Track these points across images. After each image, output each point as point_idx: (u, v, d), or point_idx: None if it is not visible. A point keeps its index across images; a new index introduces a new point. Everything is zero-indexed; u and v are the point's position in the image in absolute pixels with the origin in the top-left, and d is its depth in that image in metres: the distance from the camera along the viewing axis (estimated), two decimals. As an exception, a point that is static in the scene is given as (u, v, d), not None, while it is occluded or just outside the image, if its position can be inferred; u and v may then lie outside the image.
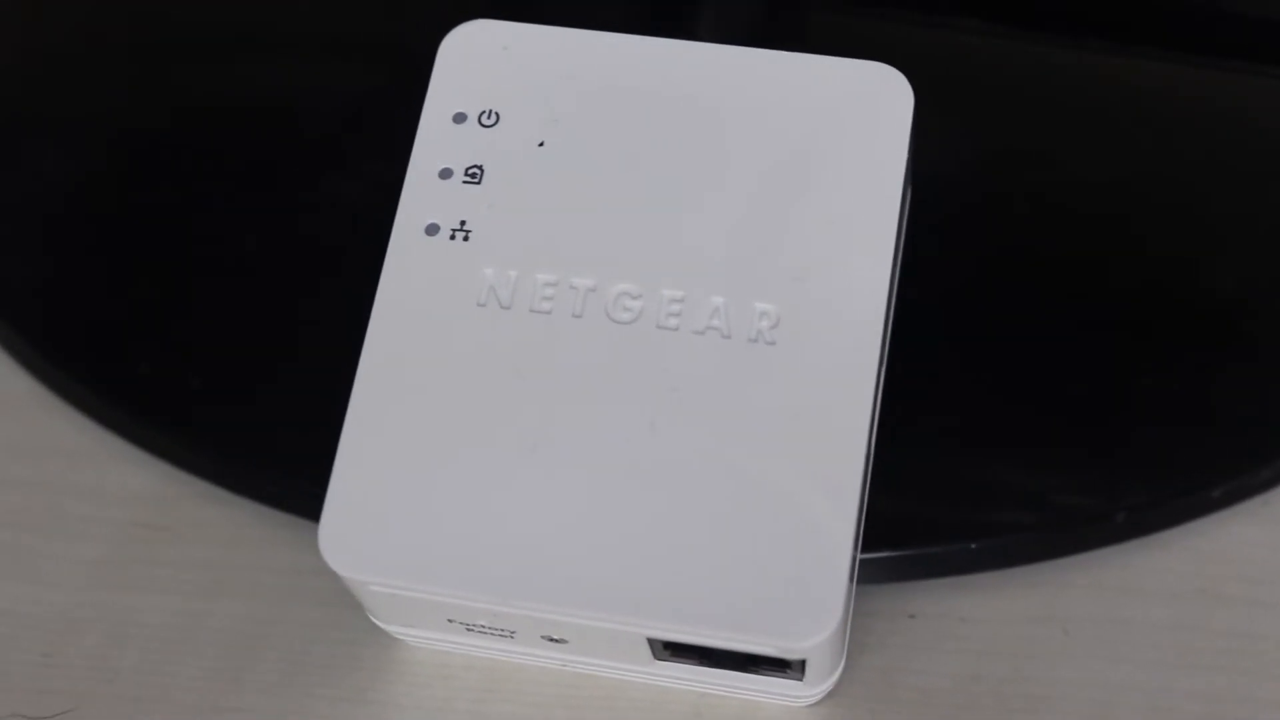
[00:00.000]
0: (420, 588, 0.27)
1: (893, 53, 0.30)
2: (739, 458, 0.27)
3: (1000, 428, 0.32)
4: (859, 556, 0.27)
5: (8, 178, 0.37)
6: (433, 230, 0.29)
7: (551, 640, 0.28)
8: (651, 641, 0.27)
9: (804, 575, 0.26)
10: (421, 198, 0.29)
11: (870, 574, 0.30)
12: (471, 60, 0.30)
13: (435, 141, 0.29)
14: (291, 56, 0.38)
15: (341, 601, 0.31)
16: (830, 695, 0.29)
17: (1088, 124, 0.35)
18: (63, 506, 0.33)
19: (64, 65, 0.39)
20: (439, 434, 0.27)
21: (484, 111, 0.29)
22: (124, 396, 0.34)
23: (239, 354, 0.34)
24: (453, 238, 0.29)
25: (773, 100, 0.29)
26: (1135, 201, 0.34)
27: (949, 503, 0.31)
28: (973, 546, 0.31)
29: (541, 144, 0.29)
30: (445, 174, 0.29)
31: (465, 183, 0.29)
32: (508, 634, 0.28)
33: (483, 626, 0.28)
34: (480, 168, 0.29)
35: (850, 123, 0.29)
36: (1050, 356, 0.32)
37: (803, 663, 0.27)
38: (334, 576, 0.30)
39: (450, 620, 0.28)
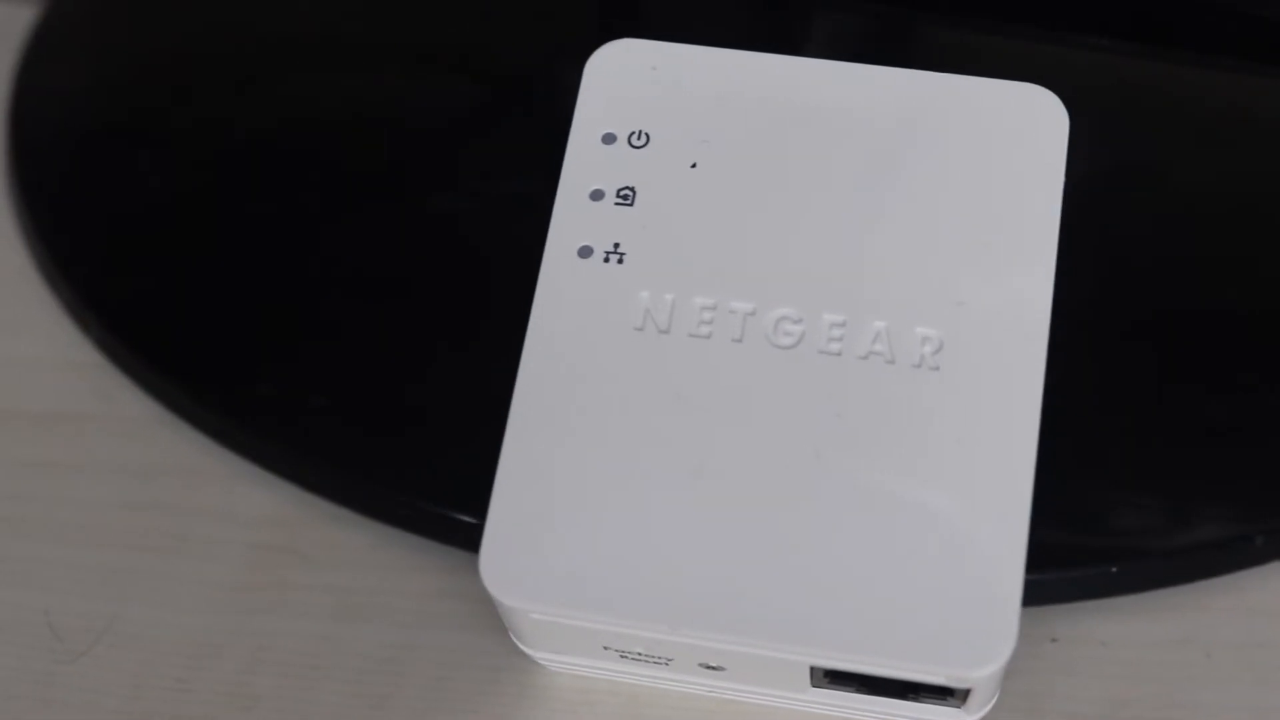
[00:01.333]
0: (585, 616, 0.27)
1: (1028, 71, 0.29)
2: (906, 484, 0.27)
3: (1139, 450, 0.32)
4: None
5: (127, 194, 0.37)
6: (586, 252, 0.28)
7: (708, 668, 0.28)
8: (813, 669, 0.27)
9: (975, 603, 0.26)
10: (573, 219, 0.29)
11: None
12: (619, 80, 0.29)
13: (585, 162, 0.29)
14: (419, 68, 0.38)
15: (480, 626, 0.31)
16: (983, 721, 0.29)
17: (1230, 141, 0.35)
18: (189, 528, 0.33)
19: (191, 76, 0.38)
20: (599, 459, 0.27)
21: (634, 132, 0.29)
22: (247, 417, 0.33)
23: (363, 373, 0.33)
24: (606, 260, 0.28)
25: (928, 122, 0.29)
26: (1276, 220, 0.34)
27: (1089, 526, 0.31)
28: (1113, 570, 0.31)
29: (694, 165, 0.29)
30: (596, 195, 0.29)
31: (617, 204, 0.29)
32: (663, 661, 0.28)
33: (638, 654, 0.28)
34: (632, 189, 0.29)
35: (1007, 145, 0.28)
36: (1190, 379, 0.32)
37: (967, 690, 0.27)
38: (471, 600, 0.30)
39: (606, 647, 0.28)
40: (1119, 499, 0.31)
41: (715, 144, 0.29)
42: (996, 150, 0.28)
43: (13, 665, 0.30)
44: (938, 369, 0.27)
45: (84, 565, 0.32)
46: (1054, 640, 0.31)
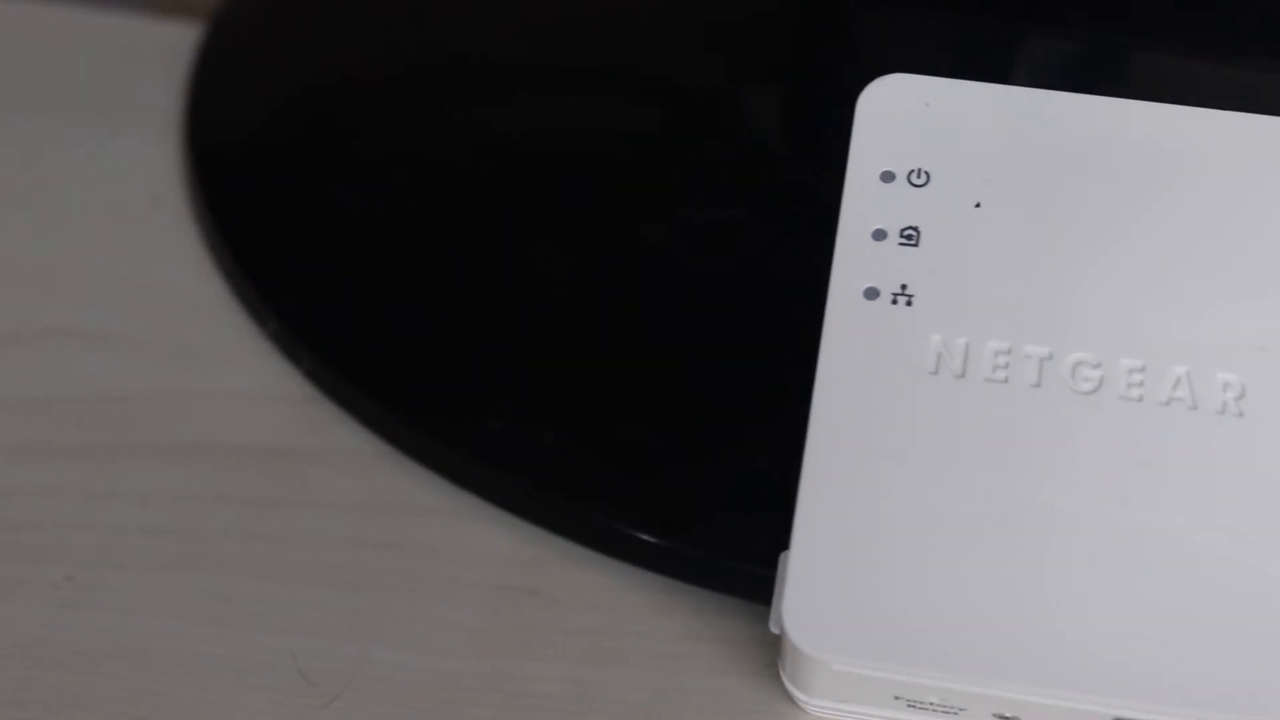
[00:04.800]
0: (892, 667, 0.26)
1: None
2: (1214, 533, 0.26)
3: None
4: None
5: (327, 221, 0.36)
6: (872, 294, 0.28)
7: (1000, 718, 0.27)
8: (1114, 720, 0.27)
9: (1289, 655, 0.25)
10: (857, 260, 0.28)
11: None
12: (893, 117, 0.29)
13: (865, 201, 0.28)
14: (616, 91, 0.37)
15: (735, 670, 0.30)
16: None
17: None
18: (426, 568, 0.32)
19: (380, 97, 0.38)
20: (900, 507, 0.27)
21: (913, 170, 0.29)
22: (478, 453, 0.33)
23: (597, 408, 0.33)
24: (894, 302, 0.28)
25: (1222, 161, 0.28)
26: None
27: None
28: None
29: (978, 205, 0.28)
30: (879, 235, 0.28)
31: (901, 245, 0.28)
32: (953, 711, 0.27)
33: (930, 704, 0.27)
34: (916, 229, 0.28)
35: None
36: None
37: (1273, 743, 0.26)
38: (723, 644, 0.30)
39: (897, 697, 0.27)
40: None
41: (998, 183, 0.28)
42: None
43: (269, 711, 0.30)
44: (1241, 415, 0.27)
45: (324, 606, 0.31)
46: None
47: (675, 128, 0.37)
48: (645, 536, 0.31)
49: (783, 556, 0.28)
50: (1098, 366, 0.27)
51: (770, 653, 0.30)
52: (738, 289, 0.34)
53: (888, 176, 0.29)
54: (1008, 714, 0.27)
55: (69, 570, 0.32)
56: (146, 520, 0.33)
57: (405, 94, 0.38)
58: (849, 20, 0.37)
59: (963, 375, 0.27)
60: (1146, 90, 0.30)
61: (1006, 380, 0.27)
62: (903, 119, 0.29)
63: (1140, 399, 0.27)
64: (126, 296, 0.37)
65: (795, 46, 0.37)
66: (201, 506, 0.33)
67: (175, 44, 0.42)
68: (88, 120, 0.41)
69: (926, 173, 0.28)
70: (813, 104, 0.37)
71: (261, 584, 0.32)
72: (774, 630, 0.28)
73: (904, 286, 0.28)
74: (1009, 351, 0.27)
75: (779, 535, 0.29)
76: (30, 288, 0.37)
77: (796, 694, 0.29)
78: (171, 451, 0.34)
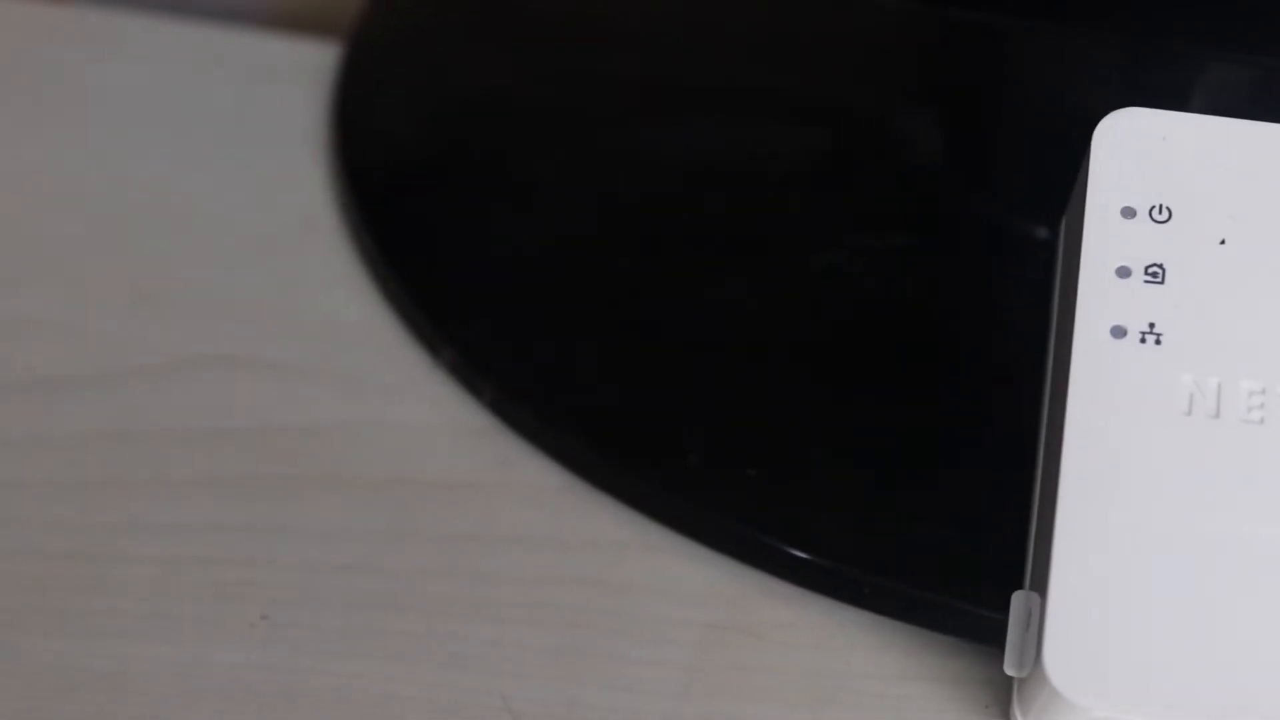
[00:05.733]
0: (1157, 714, 0.26)
1: None
2: None
3: None
4: None
5: (496, 249, 0.36)
6: (1119, 333, 0.27)
7: (1255, 764, 0.27)
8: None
9: None
10: (1102, 297, 0.28)
11: None
12: (1130, 151, 0.29)
13: (1107, 237, 0.28)
14: (796, 119, 0.37)
15: (957, 711, 0.30)
16: None
17: None
18: (628, 606, 0.31)
19: (534, 118, 0.37)
20: (1156, 550, 0.26)
21: (1154, 206, 0.28)
22: (675, 487, 0.32)
23: (798, 441, 0.32)
24: (1142, 340, 0.27)
25: None
26: None
27: None
28: None
29: (1222, 242, 0.28)
30: (1123, 272, 0.28)
31: (1147, 282, 0.28)
32: (1205, 755, 0.27)
33: (1185, 749, 0.27)
34: (1161, 266, 0.28)
35: None
36: None
37: None
38: (938, 683, 0.30)
39: (1153, 744, 0.27)
40: None
41: (1243, 220, 0.28)
42: None
43: (485, 756, 0.29)
44: None
45: (529, 645, 0.31)
46: None
47: (845, 153, 0.36)
48: (860, 574, 0.31)
49: (1016, 597, 0.28)
50: (1356, 407, 0.27)
51: (989, 692, 0.30)
52: (929, 319, 0.34)
53: (1128, 212, 0.28)
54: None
55: (263, 609, 0.31)
56: (336, 557, 0.32)
57: (567, 114, 0.38)
58: (1019, 46, 0.36)
59: (1217, 416, 0.27)
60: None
61: (1263, 421, 0.27)
62: (1140, 154, 0.28)
63: (1401, 441, 0.26)
64: (290, 324, 0.36)
65: (961, 71, 0.37)
66: (391, 542, 0.32)
67: (301, 61, 0.41)
68: (227, 141, 0.40)
69: (1168, 208, 0.28)
70: (982, 130, 0.36)
71: (461, 623, 0.31)
72: (1010, 673, 0.27)
73: (1151, 325, 0.27)
74: (1263, 391, 0.27)
75: (993, 572, 0.29)
76: (189, 315, 0.36)
77: (1036, 739, 0.28)
78: (353, 485, 0.33)
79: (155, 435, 0.34)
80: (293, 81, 0.41)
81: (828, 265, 0.35)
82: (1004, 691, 0.30)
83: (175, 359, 0.35)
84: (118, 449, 0.34)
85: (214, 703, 0.30)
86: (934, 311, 0.34)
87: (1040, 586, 0.27)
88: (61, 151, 0.40)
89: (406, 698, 0.30)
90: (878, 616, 0.31)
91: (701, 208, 0.36)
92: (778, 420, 0.33)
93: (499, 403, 0.34)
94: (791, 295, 0.34)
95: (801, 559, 0.31)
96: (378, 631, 0.31)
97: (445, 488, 0.33)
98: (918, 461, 0.32)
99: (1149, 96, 0.29)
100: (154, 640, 0.31)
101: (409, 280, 0.36)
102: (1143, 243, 0.28)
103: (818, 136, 0.37)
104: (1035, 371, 0.30)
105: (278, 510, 0.33)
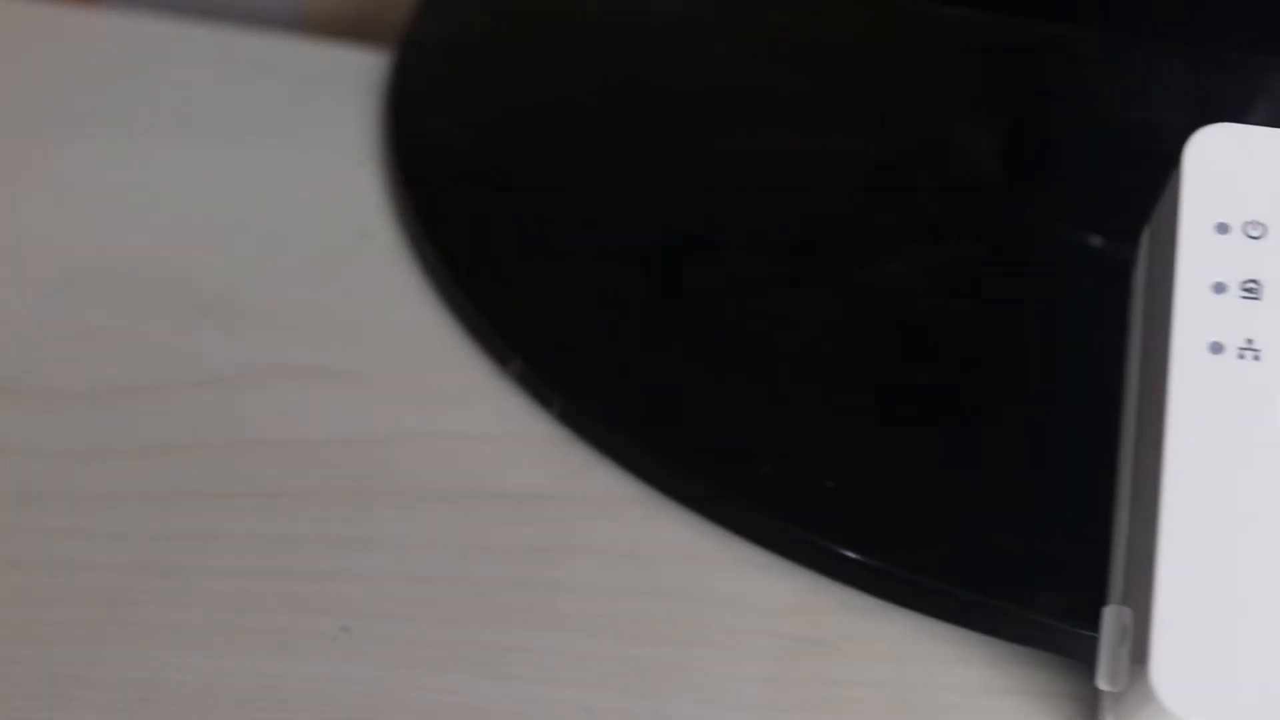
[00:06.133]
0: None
1: None
2: None
3: None
4: None
5: (571, 263, 0.36)
6: (1217, 349, 0.28)
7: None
8: None
9: None
10: (1199, 314, 0.28)
11: None
12: (1223, 167, 0.29)
13: (1202, 253, 0.28)
14: (855, 129, 0.37)
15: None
16: None
17: None
18: (708, 618, 0.31)
19: (593, 127, 0.37)
20: (1261, 567, 0.26)
21: (1248, 222, 0.28)
22: (755, 499, 0.32)
23: (877, 450, 0.32)
24: (1241, 357, 0.27)
25: None
26: None
27: None
28: None
29: (1317, 258, 0.28)
30: (1219, 288, 0.28)
31: (1243, 298, 0.28)
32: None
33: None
34: (1257, 282, 0.28)
35: None
36: None
37: None
38: (1022, 695, 0.30)
39: (1246, 758, 0.27)
40: None
41: (1337, 236, 0.28)
42: None
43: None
44: None
45: (610, 658, 0.31)
46: None
47: (903, 161, 0.36)
48: (941, 587, 0.31)
49: (1108, 611, 0.28)
50: None
51: (1074, 706, 0.30)
52: (1001, 328, 0.34)
53: (1222, 228, 0.28)
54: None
55: (343, 621, 0.31)
56: (414, 568, 0.32)
57: (626, 122, 0.38)
58: (1082, 57, 0.36)
59: (1316, 432, 0.27)
60: None
61: (1362, 437, 0.27)
62: (1232, 170, 0.29)
63: None
64: (355, 335, 0.36)
65: (1025, 83, 0.37)
66: (467, 554, 0.32)
67: (345, 68, 0.41)
68: (279, 150, 0.40)
69: (1262, 225, 0.28)
70: (1045, 140, 0.36)
71: (541, 635, 0.31)
72: (1103, 687, 0.27)
73: (1250, 341, 0.27)
74: (1362, 409, 0.27)
75: (1076, 585, 0.29)
76: (257, 326, 0.36)
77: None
78: (426, 497, 0.33)
79: (228, 446, 0.34)
80: (339, 89, 0.41)
81: (894, 273, 0.35)
82: (1089, 705, 0.30)
83: (246, 370, 0.35)
84: (189, 460, 0.33)
85: (301, 714, 0.30)
86: (1005, 321, 0.34)
87: (1136, 602, 0.27)
88: (113, 161, 0.40)
89: (492, 710, 0.30)
90: (958, 628, 0.31)
91: (765, 217, 0.36)
92: (852, 430, 0.33)
93: (568, 413, 0.34)
94: (860, 304, 0.34)
95: (880, 570, 0.31)
96: (459, 643, 0.31)
97: (517, 499, 0.33)
98: (995, 473, 0.32)
99: (1214, 108, 0.29)
100: (236, 653, 0.31)
101: (474, 291, 0.36)
102: (1238, 259, 0.28)
103: (880, 147, 0.37)
104: (1106, 380, 0.30)
105: (351, 522, 0.33)
